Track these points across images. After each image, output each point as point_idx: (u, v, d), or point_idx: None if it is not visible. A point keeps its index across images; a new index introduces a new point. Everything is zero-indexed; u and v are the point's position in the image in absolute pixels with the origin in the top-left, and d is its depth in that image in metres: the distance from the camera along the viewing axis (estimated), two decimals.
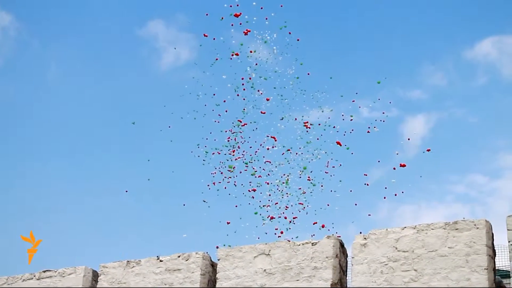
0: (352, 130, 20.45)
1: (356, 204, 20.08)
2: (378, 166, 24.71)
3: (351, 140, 19.98)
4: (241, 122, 20.44)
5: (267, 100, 20.61)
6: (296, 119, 20.60)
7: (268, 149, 20.34)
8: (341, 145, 19.21)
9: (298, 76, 20.70)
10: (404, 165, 18.25)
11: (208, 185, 20.37)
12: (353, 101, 21.61)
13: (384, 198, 20.28)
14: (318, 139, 20.48)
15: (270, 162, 20.26)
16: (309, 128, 20.37)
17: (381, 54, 33.76)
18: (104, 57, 37.46)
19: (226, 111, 20.70)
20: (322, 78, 27.51)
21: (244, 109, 20.74)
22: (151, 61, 36.58)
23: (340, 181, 19.75)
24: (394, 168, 18.59)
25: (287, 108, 20.99)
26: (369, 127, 20.07)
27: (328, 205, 19.69)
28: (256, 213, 19.11)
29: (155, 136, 31.61)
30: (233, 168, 20.23)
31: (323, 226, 17.81)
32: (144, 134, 30.46)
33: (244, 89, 20.66)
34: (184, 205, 22.67)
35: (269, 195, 19.80)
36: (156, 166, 29.40)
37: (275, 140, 20.40)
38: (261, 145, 20.66)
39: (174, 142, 26.32)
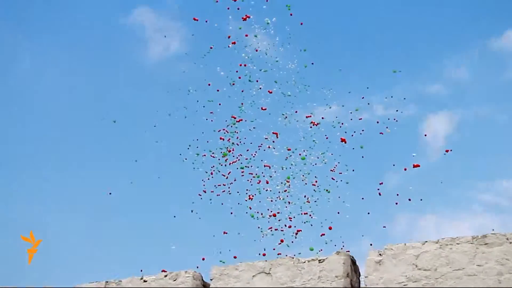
0: (363, 130, 18.94)
1: (369, 213, 18.47)
2: (394, 171, 22.15)
3: (362, 141, 18.42)
4: (235, 118, 18.85)
5: (269, 92, 18.83)
6: (296, 119, 19.01)
7: (269, 147, 18.66)
8: (346, 142, 17.74)
9: (306, 65, 19.06)
10: (417, 166, 16.57)
11: (200, 194, 18.67)
12: (363, 97, 19.82)
13: (396, 203, 18.08)
14: (327, 137, 18.63)
15: (269, 167, 18.53)
16: (316, 125, 18.61)
17: (395, 44, 30.62)
18: (84, 49, 33.14)
19: (220, 104, 19.18)
20: (329, 71, 25.49)
21: (241, 104, 18.98)
22: (137, 53, 33.10)
23: (347, 182, 18.05)
24: (405, 169, 16.97)
25: (290, 104, 19.29)
26: (386, 128, 18.30)
27: (338, 212, 18.08)
28: (252, 216, 17.52)
29: (140, 137, 27.65)
30: (228, 152, 18.44)
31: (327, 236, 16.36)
32: (128, 133, 27.59)
33: (239, 77, 18.90)
34: (174, 217, 20.83)
35: (271, 200, 18.04)
36: (140, 170, 26.07)
37: (277, 137, 18.59)
38: (259, 147, 18.99)
39: (160, 143, 23.49)
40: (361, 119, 18.94)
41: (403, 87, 26.71)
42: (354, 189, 18.56)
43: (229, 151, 18.64)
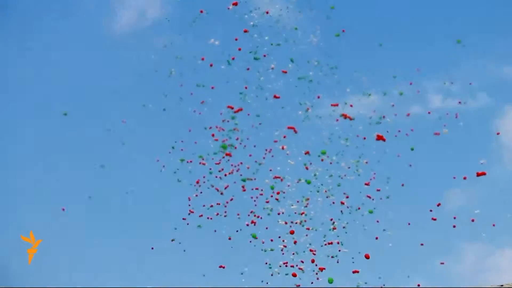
0: (412, 130, 14.41)
1: (422, 245, 14.23)
2: (455, 185, 16.48)
3: (410, 144, 13.87)
4: (233, 109, 13.93)
5: (284, 73, 13.67)
6: (319, 115, 14.04)
7: (283, 148, 13.88)
8: (384, 140, 13.37)
9: (338, 34, 14.16)
10: (483, 174, 12.87)
11: (184, 218, 14.07)
12: (411, 83, 15.07)
13: (454, 227, 14.01)
14: (365, 138, 13.78)
15: (281, 179, 13.71)
16: (350, 119, 13.67)
17: (458, 10, 21.96)
18: (31, 17, 24.07)
19: (213, 88, 14.20)
20: (365, 46, 18.10)
21: (245, 89, 13.69)
22: (100, 21, 24.23)
23: (388, 197, 13.46)
24: (465, 178, 13.29)
25: (310, 92, 13.90)
26: (444, 126, 13.71)
27: (376, 238, 13.75)
28: (254, 236, 13.24)
29: (101, 136, 19.60)
30: (228, 147, 13.76)
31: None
32: (84, 130, 20.08)
33: (239, 49, 13.48)
34: (152, 248, 15.31)
35: (285, 223, 13.31)
36: (100, 182, 18.64)
37: (295, 132, 13.67)
38: (267, 151, 14.05)
39: (129, 145, 17.08)
40: (409, 114, 14.37)
41: (468, 69, 19.65)
42: (398, 210, 14.13)
43: (229, 146, 13.87)
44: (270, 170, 13.86)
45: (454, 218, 14.07)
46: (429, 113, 15.12)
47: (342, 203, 13.70)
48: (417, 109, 15.13)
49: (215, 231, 13.89)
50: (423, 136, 14.41)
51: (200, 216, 13.66)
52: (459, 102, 14.68)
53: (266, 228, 13.59)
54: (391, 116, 14.03)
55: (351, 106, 14.24)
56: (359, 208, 13.81)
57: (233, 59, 14.03)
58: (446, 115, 14.15)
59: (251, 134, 14.13)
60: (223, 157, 13.97)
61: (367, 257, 12.48)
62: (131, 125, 17.10)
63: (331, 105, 14.15)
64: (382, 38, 18.55)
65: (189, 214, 14.13)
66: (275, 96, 14.05)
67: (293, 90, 13.89)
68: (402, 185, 14.27)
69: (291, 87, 13.99)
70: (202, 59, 14.12)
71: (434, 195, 14.66)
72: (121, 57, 22.38)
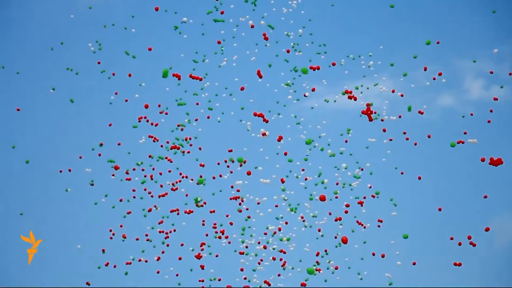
0: (429, 136, 11.06)
1: None
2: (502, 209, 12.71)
3: (430, 146, 10.70)
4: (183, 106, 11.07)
5: (265, 39, 10.70)
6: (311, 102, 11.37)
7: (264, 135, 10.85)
8: (416, 144, 10.71)
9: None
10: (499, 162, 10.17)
11: (103, 250, 12.20)
12: (425, 68, 11.69)
13: None
14: (391, 140, 11.05)
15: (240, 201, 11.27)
16: (371, 113, 10.73)
17: None
18: None
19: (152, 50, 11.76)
20: (374, 14, 14.99)
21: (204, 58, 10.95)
22: None
23: (397, 213, 10.72)
24: (485, 197, 10.29)
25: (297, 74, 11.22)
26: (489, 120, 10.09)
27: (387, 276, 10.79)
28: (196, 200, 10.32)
29: None
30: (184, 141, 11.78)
31: None
32: None
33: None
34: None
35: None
36: None
37: (265, 120, 10.67)
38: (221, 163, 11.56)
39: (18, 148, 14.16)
40: (421, 112, 10.77)
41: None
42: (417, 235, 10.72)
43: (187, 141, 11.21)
44: (245, 182, 12.38)
45: None
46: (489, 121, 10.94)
47: (359, 222, 12.31)
48: (447, 100, 11.23)
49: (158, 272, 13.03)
50: (453, 133, 10.52)
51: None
52: (502, 87, 10.94)
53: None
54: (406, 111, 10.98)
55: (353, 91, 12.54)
56: (405, 236, 12.07)
57: (183, 23, 12.07)
58: (489, 112, 10.41)
59: (203, 134, 12.60)
60: (183, 141, 12.88)
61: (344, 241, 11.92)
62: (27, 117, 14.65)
63: (346, 91, 12.52)
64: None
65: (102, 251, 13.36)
66: (258, 75, 12.72)
67: (275, 66, 11.67)
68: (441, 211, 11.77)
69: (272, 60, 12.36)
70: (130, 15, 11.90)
71: (479, 219, 11.40)
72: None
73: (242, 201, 13.50)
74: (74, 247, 15.09)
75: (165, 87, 14.07)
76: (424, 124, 12.13)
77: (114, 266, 13.23)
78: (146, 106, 13.57)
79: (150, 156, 13.75)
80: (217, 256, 13.42)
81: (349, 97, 12.26)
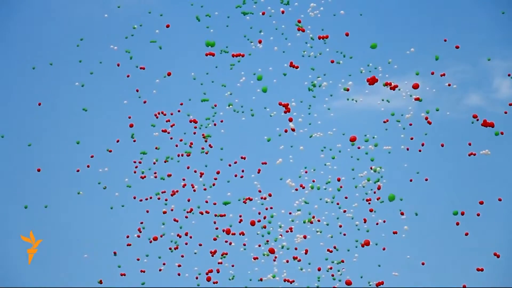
0: (442, 145, 10.05)
1: None
2: None
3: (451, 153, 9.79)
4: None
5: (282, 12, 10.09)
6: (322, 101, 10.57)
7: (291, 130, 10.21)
8: (442, 145, 9.71)
9: None
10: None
11: (115, 252, 11.93)
12: (433, 73, 10.76)
13: None
14: (413, 143, 10.00)
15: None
16: (418, 99, 9.75)
17: None
18: None
19: (161, 49, 11.02)
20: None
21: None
22: None
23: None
24: (500, 199, 9.21)
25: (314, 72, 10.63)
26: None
27: None
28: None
29: None
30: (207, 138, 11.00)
31: None
32: None
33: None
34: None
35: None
36: None
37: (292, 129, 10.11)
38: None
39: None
40: (429, 122, 9.86)
41: None
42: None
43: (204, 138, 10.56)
44: (257, 184, 11.77)
45: None
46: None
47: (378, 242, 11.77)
48: (475, 99, 10.66)
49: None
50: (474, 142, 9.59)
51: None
52: None
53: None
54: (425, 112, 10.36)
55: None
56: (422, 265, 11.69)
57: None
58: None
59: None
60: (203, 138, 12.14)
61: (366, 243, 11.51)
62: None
63: (368, 80, 11.67)
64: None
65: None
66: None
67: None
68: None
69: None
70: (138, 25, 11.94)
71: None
72: None
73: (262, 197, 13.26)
74: (75, 247, 15.37)
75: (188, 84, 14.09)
76: (453, 124, 11.84)
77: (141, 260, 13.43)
78: (169, 74, 13.00)
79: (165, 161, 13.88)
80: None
81: (391, 88, 11.83)
